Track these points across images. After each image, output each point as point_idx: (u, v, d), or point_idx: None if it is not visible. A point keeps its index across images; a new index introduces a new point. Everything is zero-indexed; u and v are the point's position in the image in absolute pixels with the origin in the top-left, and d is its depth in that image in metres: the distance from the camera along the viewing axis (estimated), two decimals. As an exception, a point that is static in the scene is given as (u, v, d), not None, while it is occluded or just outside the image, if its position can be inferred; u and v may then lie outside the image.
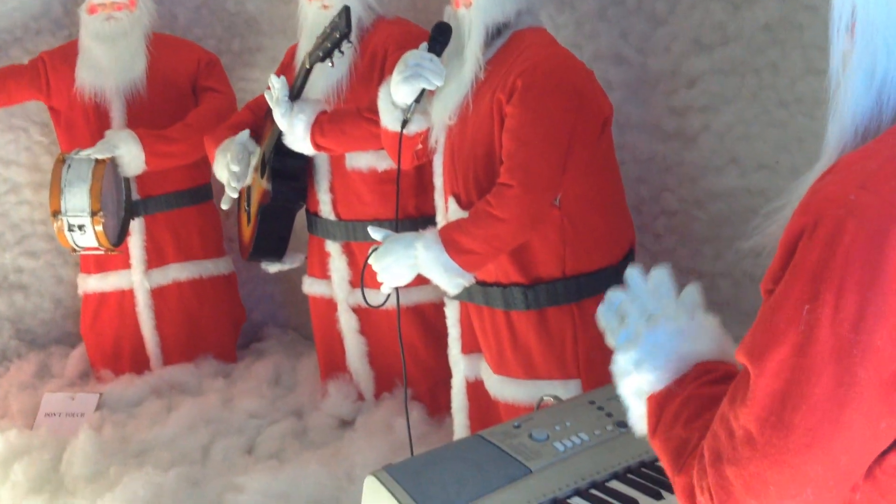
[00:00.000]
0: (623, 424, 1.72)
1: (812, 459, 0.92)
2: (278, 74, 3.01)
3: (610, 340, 1.25)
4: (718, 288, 2.58)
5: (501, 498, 1.52)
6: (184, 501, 2.79)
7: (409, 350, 3.07)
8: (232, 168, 3.12)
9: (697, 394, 1.13)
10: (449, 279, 2.27)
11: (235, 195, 3.19)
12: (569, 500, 1.53)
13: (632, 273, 1.26)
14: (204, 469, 3.02)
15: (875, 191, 0.90)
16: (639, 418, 1.21)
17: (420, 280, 2.35)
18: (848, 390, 0.90)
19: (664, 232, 2.70)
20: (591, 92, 2.26)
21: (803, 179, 1.05)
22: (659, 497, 1.50)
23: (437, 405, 3.14)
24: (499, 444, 1.66)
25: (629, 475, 1.58)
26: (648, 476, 1.57)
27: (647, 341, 1.18)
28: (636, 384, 1.19)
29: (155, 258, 3.70)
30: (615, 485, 1.56)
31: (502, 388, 2.44)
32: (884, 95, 0.98)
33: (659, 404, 1.16)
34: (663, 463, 1.14)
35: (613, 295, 1.26)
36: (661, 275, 1.25)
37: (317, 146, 2.93)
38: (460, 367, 2.62)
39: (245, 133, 3.19)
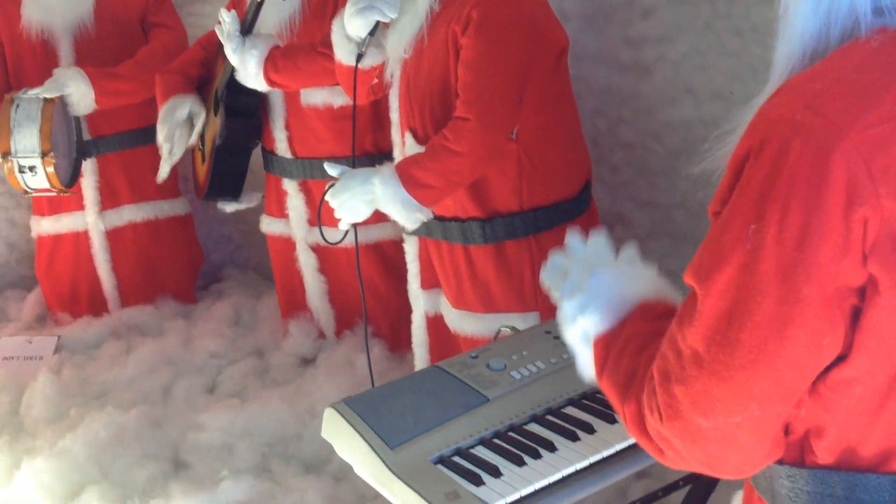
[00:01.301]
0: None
1: (757, 376, 0.94)
2: (229, 9, 2.95)
3: (555, 295, 1.29)
4: (674, 219, 2.61)
5: (459, 426, 1.55)
6: (146, 441, 2.80)
7: (369, 287, 3.08)
8: (164, 146, 3.21)
9: (641, 330, 1.16)
10: (407, 214, 2.26)
11: (165, 173, 3.29)
12: (526, 427, 1.56)
13: (571, 236, 1.32)
14: (165, 409, 3.03)
15: (820, 111, 0.91)
16: (586, 364, 1.23)
17: (379, 217, 2.34)
18: (792, 308, 0.92)
19: (621, 164, 2.71)
20: (546, 23, 2.24)
21: (752, 103, 1.06)
22: (613, 421, 1.53)
23: (398, 341, 3.16)
24: (457, 374, 1.68)
25: (584, 401, 1.61)
26: (603, 402, 1.60)
27: (591, 286, 1.22)
28: (582, 328, 1.21)
29: (109, 199, 3.65)
30: (571, 410, 1.59)
31: (462, 322, 2.46)
32: (831, 17, 0.98)
33: (605, 345, 1.18)
34: (611, 399, 1.16)
35: (555, 256, 1.31)
36: (599, 237, 1.31)
37: (270, 82, 2.89)
38: (420, 302, 2.63)
39: (184, 110, 3.21)
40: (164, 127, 3.21)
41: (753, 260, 0.93)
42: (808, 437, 1.02)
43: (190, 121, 3.23)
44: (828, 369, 0.96)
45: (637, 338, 1.15)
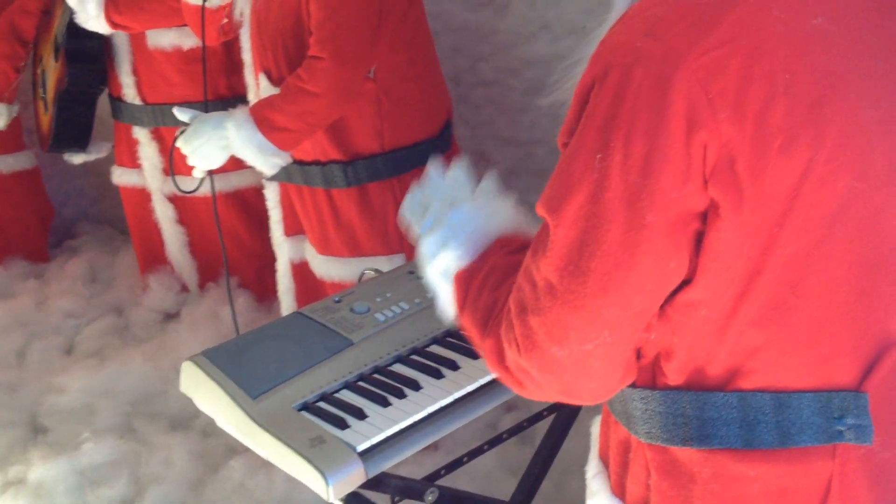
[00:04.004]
0: (442, 292, 1.74)
1: (608, 302, 0.95)
2: (64, -54, 2.77)
3: (415, 230, 1.29)
4: (535, 156, 2.63)
5: (323, 371, 1.52)
6: (0, 407, 2.68)
7: (231, 236, 3.00)
8: None
9: (500, 264, 1.16)
10: (264, 159, 2.20)
11: None
12: (390, 367, 1.55)
13: (432, 167, 1.31)
14: (20, 372, 2.93)
15: (660, 37, 0.91)
16: (447, 301, 1.23)
17: (238, 164, 2.27)
18: (638, 233, 0.92)
19: (482, 102, 2.71)
20: (398, -43, 2.18)
21: (597, 33, 1.05)
22: (476, 357, 1.54)
23: (265, 291, 3.10)
24: (319, 319, 1.65)
25: (448, 339, 1.61)
26: (467, 338, 1.60)
27: (450, 222, 1.22)
28: (443, 264, 1.21)
29: (-55, 156, 3.43)
30: (435, 349, 1.59)
31: (327, 268, 2.42)
32: None
33: (465, 280, 1.18)
34: (471, 334, 1.17)
35: (415, 189, 1.31)
36: (460, 167, 1.30)
37: (113, 24, 2.73)
38: (284, 249, 2.57)
39: None
40: None
41: (600, 188, 0.93)
42: (658, 359, 1.05)
43: None
44: (675, 293, 0.98)
45: (496, 272, 1.16)
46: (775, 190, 0.91)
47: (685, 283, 0.97)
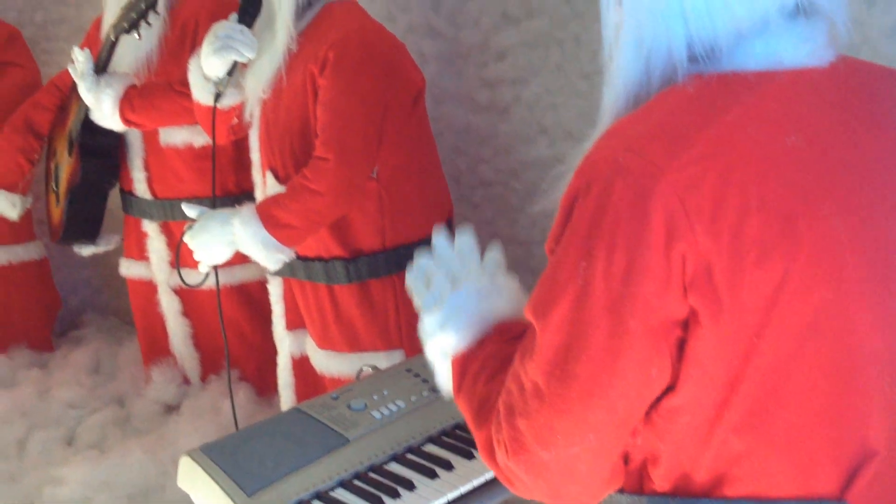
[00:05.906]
0: (437, 390, 1.76)
1: (593, 406, 0.98)
2: (83, 47, 2.87)
3: (417, 303, 1.28)
4: (534, 255, 2.67)
5: (319, 469, 1.54)
6: (0, 497, 2.66)
7: (234, 329, 3.03)
8: None
9: (496, 353, 1.18)
10: (268, 255, 2.25)
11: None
12: (386, 466, 1.56)
13: (438, 238, 1.31)
14: (20, 463, 2.90)
15: (639, 152, 0.96)
16: (445, 379, 1.24)
17: (243, 258, 2.32)
18: (621, 340, 0.96)
19: (482, 202, 2.77)
20: (402, 64, 2.27)
21: (584, 146, 1.11)
22: (471, 457, 1.56)
23: (266, 384, 3.11)
24: (317, 416, 1.67)
25: (444, 437, 1.63)
26: (462, 437, 1.62)
27: (450, 304, 1.22)
28: (441, 345, 1.22)
29: (-41, 245, 3.48)
30: (431, 448, 1.61)
31: (327, 363, 2.45)
32: (651, 64, 1.04)
33: (462, 364, 1.20)
34: (467, 420, 1.18)
35: (421, 259, 1.30)
36: (465, 239, 1.30)
37: (127, 122, 2.82)
38: (285, 343, 2.60)
39: None
40: None
41: (584, 295, 0.97)
42: (645, 465, 1.06)
43: None
44: (659, 399, 1.01)
45: (492, 361, 1.17)
46: (752, 300, 0.94)
47: (669, 389, 1.00)
